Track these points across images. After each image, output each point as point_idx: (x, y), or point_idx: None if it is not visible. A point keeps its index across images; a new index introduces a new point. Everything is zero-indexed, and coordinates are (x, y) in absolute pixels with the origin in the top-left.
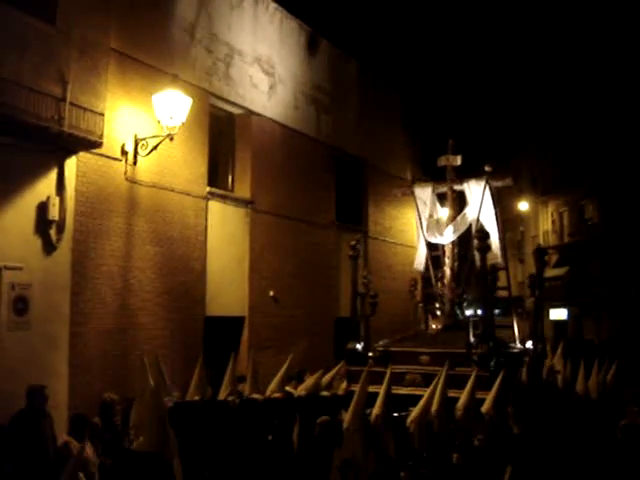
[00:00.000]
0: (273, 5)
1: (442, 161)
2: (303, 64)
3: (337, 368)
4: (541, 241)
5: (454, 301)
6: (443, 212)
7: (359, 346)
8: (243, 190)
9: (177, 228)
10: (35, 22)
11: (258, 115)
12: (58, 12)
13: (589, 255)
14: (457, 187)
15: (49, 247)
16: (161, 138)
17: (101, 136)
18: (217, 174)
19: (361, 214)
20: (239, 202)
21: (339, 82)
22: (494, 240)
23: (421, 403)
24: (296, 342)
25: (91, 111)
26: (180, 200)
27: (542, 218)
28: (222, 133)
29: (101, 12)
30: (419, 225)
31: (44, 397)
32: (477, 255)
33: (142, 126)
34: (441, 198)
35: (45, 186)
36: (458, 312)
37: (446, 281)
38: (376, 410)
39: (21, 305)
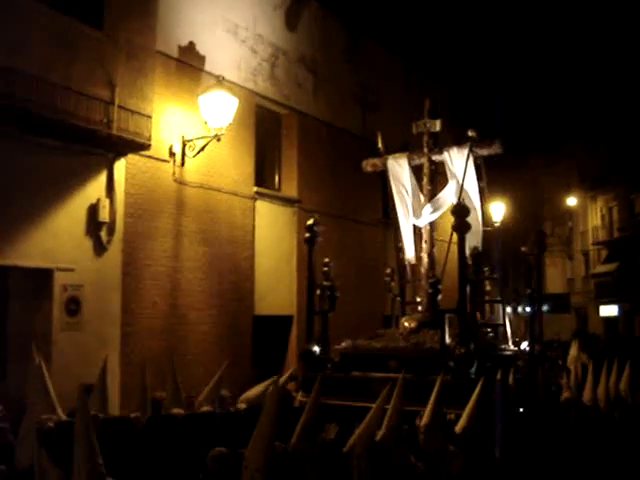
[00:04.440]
0: (316, 4)
1: (419, 127)
2: (347, 63)
3: (287, 374)
4: (590, 236)
5: (429, 293)
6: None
7: (317, 348)
8: (290, 189)
9: (225, 228)
10: (83, 27)
11: (303, 114)
12: (105, 17)
13: None
14: (436, 157)
15: (100, 248)
16: (208, 139)
17: (149, 138)
18: (264, 174)
19: None
20: (286, 201)
21: (383, 80)
22: (476, 218)
23: (365, 423)
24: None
25: (139, 114)
26: (228, 200)
27: (591, 213)
28: (268, 133)
29: (146, 16)
30: (395, 205)
31: None
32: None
33: (189, 127)
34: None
35: (95, 188)
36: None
37: (423, 269)
38: (293, 439)
39: (73, 306)
